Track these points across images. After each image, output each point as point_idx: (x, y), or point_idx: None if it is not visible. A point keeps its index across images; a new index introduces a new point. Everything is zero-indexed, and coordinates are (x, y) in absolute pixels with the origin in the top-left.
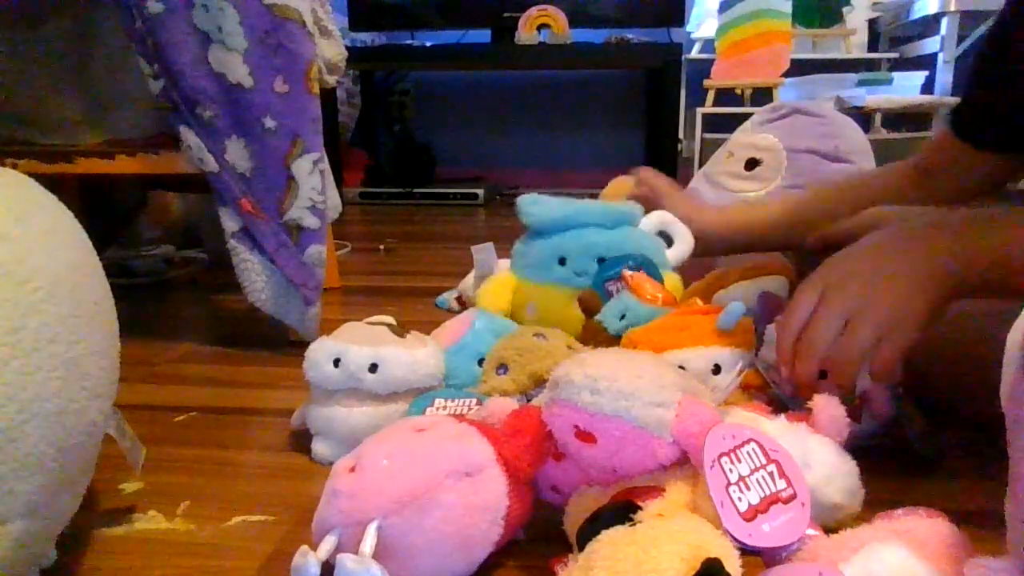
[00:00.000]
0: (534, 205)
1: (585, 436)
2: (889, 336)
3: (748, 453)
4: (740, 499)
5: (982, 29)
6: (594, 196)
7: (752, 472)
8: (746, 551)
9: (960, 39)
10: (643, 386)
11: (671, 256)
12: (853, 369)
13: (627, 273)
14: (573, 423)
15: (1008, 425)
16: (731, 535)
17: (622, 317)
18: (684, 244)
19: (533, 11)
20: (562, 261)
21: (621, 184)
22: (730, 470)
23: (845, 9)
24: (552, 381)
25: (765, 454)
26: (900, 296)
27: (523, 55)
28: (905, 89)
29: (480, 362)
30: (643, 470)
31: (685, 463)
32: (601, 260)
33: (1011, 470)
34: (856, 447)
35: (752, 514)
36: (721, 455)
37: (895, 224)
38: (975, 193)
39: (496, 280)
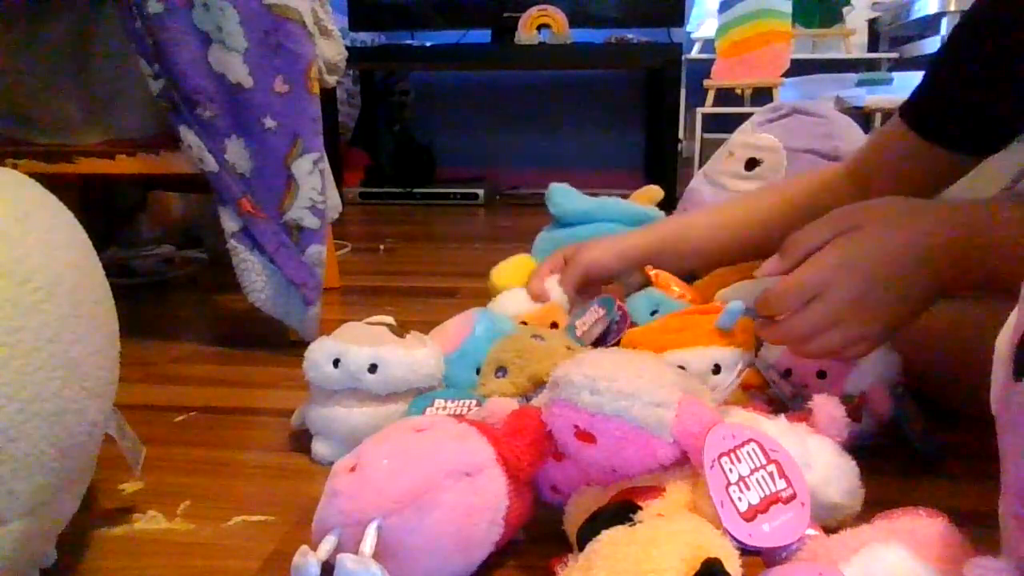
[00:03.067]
0: (562, 195)
1: (585, 436)
2: (869, 337)
3: (748, 453)
4: (740, 499)
5: None
6: (595, 196)
7: (752, 472)
8: (746, 551)
9: None
10: (643, 386)
11: None
12: (819, 356)
13: (651, 271)
14: (573, 423)
15: (998, 427)
16: (731, 535)
17: (654, 312)
18: None
19: (533, 11)
20: None
21: (652, 191)
22: (730, 470)
23: (845, 9)
24: (552, 381)
25: (765, 454)
26: (895, 305)
27: (523, 55)
28: (905, 89)
29: (479, 370)
30: (643, 470)
31: (685, 463)
32: None
33: (1002, 471)
34: (856, 447)
35: (752, 514)
36: (721, 455)
37: (895, 210)
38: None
39: (514, 260)
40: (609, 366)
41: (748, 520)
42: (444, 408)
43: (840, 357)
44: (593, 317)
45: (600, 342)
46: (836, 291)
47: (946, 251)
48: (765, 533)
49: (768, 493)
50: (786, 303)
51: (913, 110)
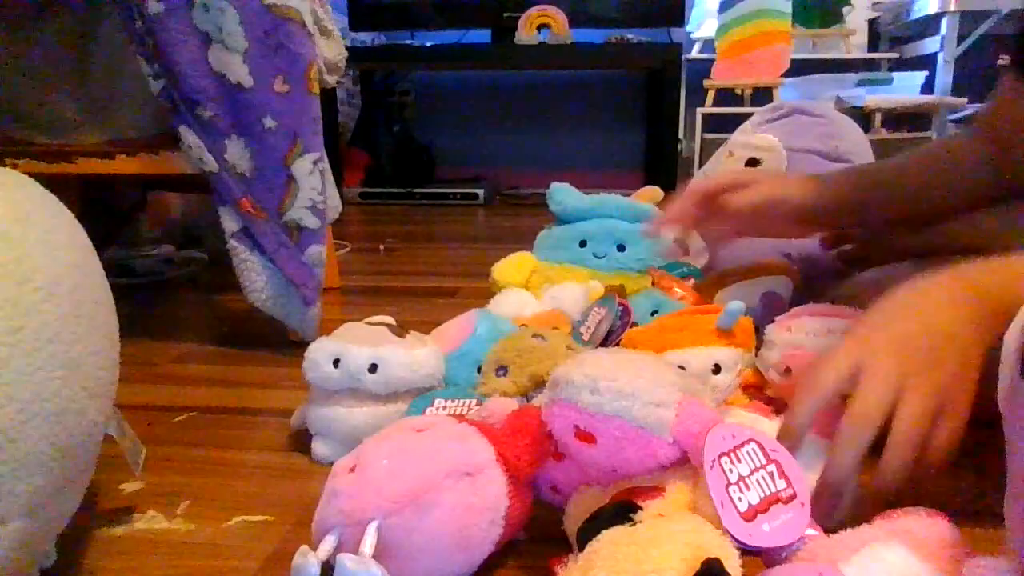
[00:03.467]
0: (563, 193)
1: (585, 436)
2: (950, 408)
3: (748, 453)
4: (740, 499)
5: (982, 29)
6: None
7: (752, 472)
8: (746, 550)
9: (960, 39)
10: (643, 386)
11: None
12: (911, 452)
13: (655, 272)
14: (573, 423)
15: (1004, 425)
16: (731, 535)
17: (653, 313)
18: (699, 256)
19: (533, 11)
20: (583, 244)
21: (652, 191)
22: (730, 470)
23: (845, 9)
24: (552, 381)
25: (765, 454)
26: (960, 357)
27: (523, 55)
28: (905, 89)
29: (480, 369)
30: (643, 470)
31: (685, 463)
32: (621, 247)
33: (1008, 470)
34: None
35: (752, 514)
36: (721, 455)
37: (935, 271)
38: None
39: (515, 257)
40: (609, 366)
41: (748, 520)
42: (444, 408)
43: (941, 450)
44: (596, 319)
45: (606, 341)
46: (878, 355)
47: (971, 294)
48: (765, 533)
49: (768, 493)
50: (823, 386)
51: (1021, 58)
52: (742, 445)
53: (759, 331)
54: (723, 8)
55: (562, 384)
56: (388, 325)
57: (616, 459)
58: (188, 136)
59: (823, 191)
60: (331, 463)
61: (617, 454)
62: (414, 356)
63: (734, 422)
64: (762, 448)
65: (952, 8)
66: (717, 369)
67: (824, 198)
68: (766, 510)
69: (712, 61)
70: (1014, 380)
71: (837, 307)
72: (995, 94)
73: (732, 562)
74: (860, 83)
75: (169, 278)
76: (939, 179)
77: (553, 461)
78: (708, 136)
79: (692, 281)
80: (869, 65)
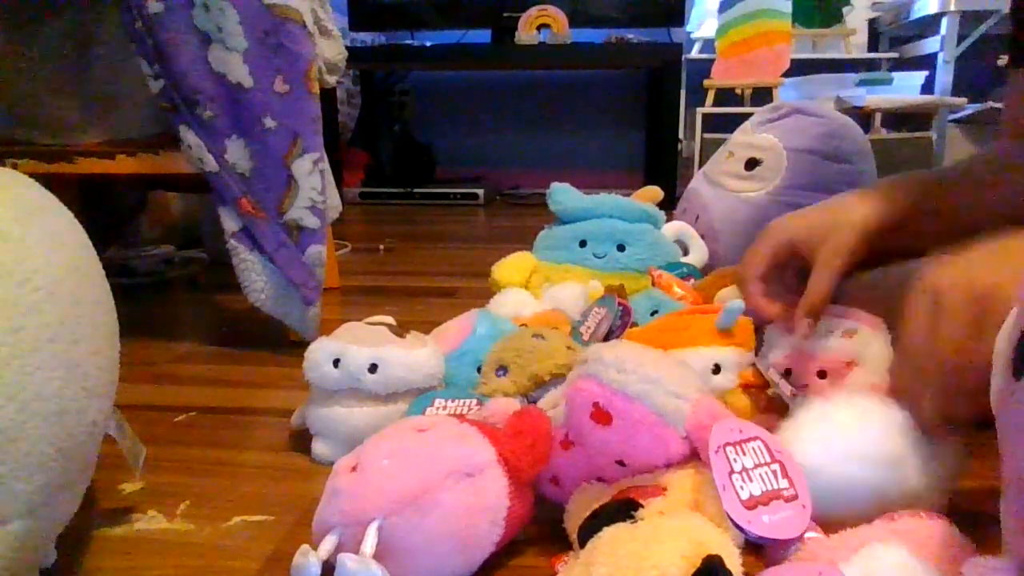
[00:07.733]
0: (563, 193)
1: (601, 415)
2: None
3: (754, 449)
4: (742, 487)
5: (982, 29)
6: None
7: (756, 467)
8: (747, 543)
9: (960, 39)
10: (667, 376)
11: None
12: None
13: (655, 272)
14: (593, 400)
15: (998, 426)
16: (730, 519)
17: (653, 313)
18: (698, 254)
19: (533, 11)
20: (583, 244)
21: (652, 191)
22: (734, 459)
23: (845, 9)
24: (580, 359)
25: (770, 453)
26: None
27: (523, 55)
28: (905, 89)
29: (480, 369)
30: (650, 464)
31: (689, 463)
32: (621, 247)
33: (1002, 470)
34: None
35: (753, 503)
36: (727, 444)
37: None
38: None
39: (515, 257)
40: (640, 353)
41: (749, 508)
42: (444, 408)
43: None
44: (596, 319)
45: (606, 341)
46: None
47: None
48: (764, 524)
49: (770, 489)
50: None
51: (1016, 50)
52: (748, 441)
53: (759, 331)
54: (723, 8)
55: (591, 361)
56: (388, 325)
57: (627, 445)
58: (188, 136)
59: (887, 206)
60: (331, 463)
61: (630, 439)
62: (414, 356)
63: (743, 419)
64: (767, 447)
65: (952, 8)
66: (717, 369)
67: (890, 213)
68: (767, 503)
69: (712, 61)
70: (1007, 381)
71: (838, 307)
72: (1008, 94)
73: (733, 560)
74: (860, 83)
75: (169, 278)
76: (993, 191)
77: (559, 450)
78: (708, 136)
79: (692, 281)
80: (869, 65)
